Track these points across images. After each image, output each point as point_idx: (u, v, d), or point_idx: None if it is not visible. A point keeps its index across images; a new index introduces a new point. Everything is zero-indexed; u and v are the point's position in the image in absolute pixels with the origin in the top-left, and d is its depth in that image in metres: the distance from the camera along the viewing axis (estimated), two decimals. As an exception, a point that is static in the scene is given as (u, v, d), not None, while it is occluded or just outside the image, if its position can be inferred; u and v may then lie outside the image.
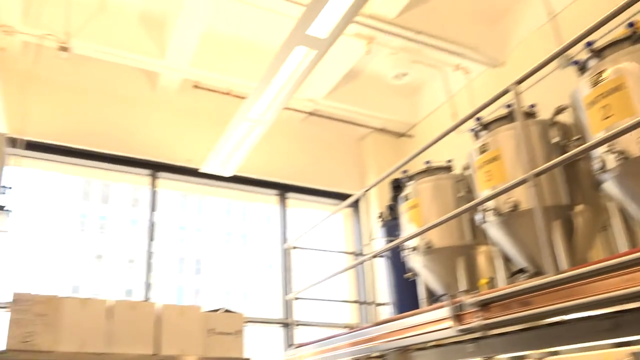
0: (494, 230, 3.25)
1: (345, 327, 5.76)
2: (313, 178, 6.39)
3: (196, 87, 5.61)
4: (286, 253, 5.89)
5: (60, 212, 28.22)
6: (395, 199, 5.05)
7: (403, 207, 4.07)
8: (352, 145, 6.82)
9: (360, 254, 6.08)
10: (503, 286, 2.50)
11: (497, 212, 3.13)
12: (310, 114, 6.28)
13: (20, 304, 3.48)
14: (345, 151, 6.75)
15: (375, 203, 6.14)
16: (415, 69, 5.74)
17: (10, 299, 3.42)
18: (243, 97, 5.56)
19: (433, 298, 3.97)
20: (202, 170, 5.48)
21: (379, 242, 4.89)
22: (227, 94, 5.66)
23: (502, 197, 3.06)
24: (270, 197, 6.34)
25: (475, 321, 2.55)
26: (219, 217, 34.43)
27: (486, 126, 3.42)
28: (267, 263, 33.77)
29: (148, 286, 5.30)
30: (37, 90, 5.17)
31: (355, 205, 6.50)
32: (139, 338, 3.73)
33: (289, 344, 5.55)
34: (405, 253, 3.97)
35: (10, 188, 4.01)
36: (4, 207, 3.73)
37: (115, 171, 5.63)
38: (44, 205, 27.33)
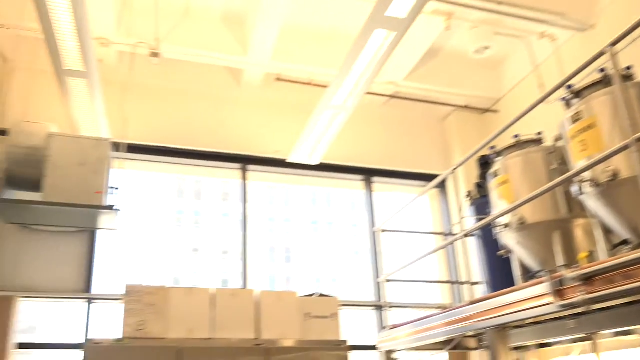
0: (592, 202, 3.09)
1: (438, 307, 5.72)
2: (397, 161, 6.37)
3: (279, 79, 5.76)
4: (375, 236, 5.93)
5: (158, 209, 30.11)
6: (483, 176, 4.92)
7: (492, 184, 3.96)
8: (435, 125, 6.71)
9: (450, 234, 5.99)
10: (605, 259, 2.38)
11: (595, 182, 2.97)
12: (392, 96, 6.24)
13: (133, 295, 3.77)
14: (429, 131, 6.65)
15: (463, 182, 6.02)
16: (497, 41, 5.52)
17: (124, 292, 3.72)
18: (324, 86, 5.64)
19: (529, 275, 3.84)
20: (290, 160, 5.64)
21: (469, 221, 4.79)
22: (309, 84, 5.77)
23: (600, 167, 2.90)
24: (356, 183, 6.40)
25: (577, 296, 2.45)
26: (305, 207, 35.12)
27: (578, 94, 3.24)
28: (353, 248, 34.01)
29: (244, 275, 5.54)
30: (133, 96, 5.56)
31: (441, 185, 6.41)
32: (240, 323, 3.93)
33: (383, 326, 5.60)
34: (497, 230, 3.88)
35: (117, 189, 4.36)
36: (112, 206, 4.06)
37: (208, 167, 5.93)
38: (144, 204, 29.26)
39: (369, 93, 5.96)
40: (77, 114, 4.50)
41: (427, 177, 6.36)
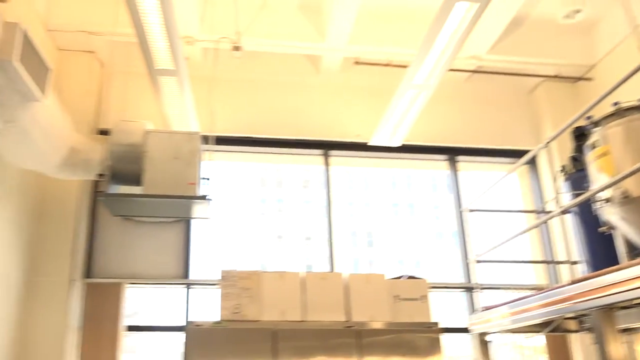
0: None
1: (533, 288, 5.50)
2: (483, 138, 6.15)
3: (357, 63, 5.74)
4: (462, 217, 5.78)
5: (243, 198, 31.23)
6: (578, 149, 4.63)
7: (590, 157, 3.72)
8: (522, 98, 6.40)
9: (543, 212, 5.71)
10: None
11: None
12: (474, 71, 6.02)
13: (228, 280, 3.92)
14: (516, 105, 6.35)
15: (556, 156, 5.70)
16: (590, 3, 5.15)
17: (219, 277, 3.89)
18: (404, 66, 5.55)
19: (635, 252, 3.59)
20: (371, 143, 5.62)
21: (564, 197, 4.54)
22: (388, 65, 5.70)
23: None
24: (439, 163, 6.26)
25: (695, 273, 2.26)
26: (385, 190, 34.92)
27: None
28: (436, 230, 33.41)
29: (331, 259, 5.61)
30: (219, 90, 5.77)
31: (531, 161, 6.11)
32: (330, 306, 3.98)
33: (474, 308, 5.48)
34: (597, 206, 3.64)
35: (208, 179, 4.56)
36: (205, 196, 4.24)
37: (290, 154, 6.04)
38: (231, 193, 30.44)
39: (451, 70, 5.79)
40: (169, 110, 4.73)
41: (516, 154, 6.09)
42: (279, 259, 31.06)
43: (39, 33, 4.81)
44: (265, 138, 5.79)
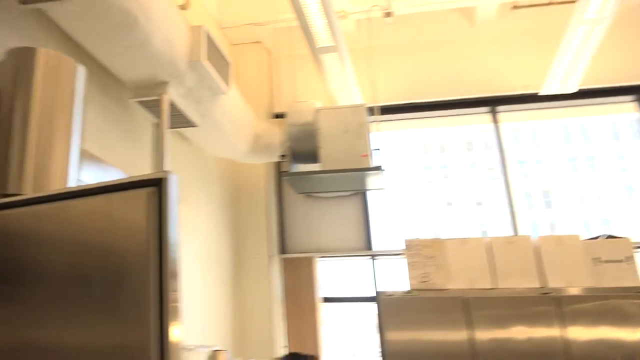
0: None
1: None
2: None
3: (515, 7, 5.25)
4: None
5: (408, 166, 31.15)
6: None
7: None
8: None
9: None
10: None
11: None
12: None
13: (412, 249, 3.91)
14: None
15: None
16: None
17: (401, 247, 3.89)
18: (568, 2, 4.93)
19: None
20: (542, 93, 5.12)
21: None
22: (550, 3, 5.12)
23: None
24: (624, 105, 5.48)
25: None
26: (558, 144, 32.02)
27: None
28: (624, 184, 29.74)
29: (513, 222, 5.29)
30: (376, 59, 5.73)
31: None
32: (522, 271, 3.76)
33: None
34: None
35: (379, 150, 4.57)
36: (380, 167, 4.26)
37: (455, 116, 5.79)
38: (396, 163, 30.60)
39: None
40: (333, 86, 4.83)
41: None
42: (452, 226, 30.45)
43: (215, 32, 5.23)
44: (428, 102, 5.62)
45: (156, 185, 1.42)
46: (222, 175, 5.05)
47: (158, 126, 3.86)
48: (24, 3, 2.28)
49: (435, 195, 30.72)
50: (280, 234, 5.44)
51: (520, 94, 5.46)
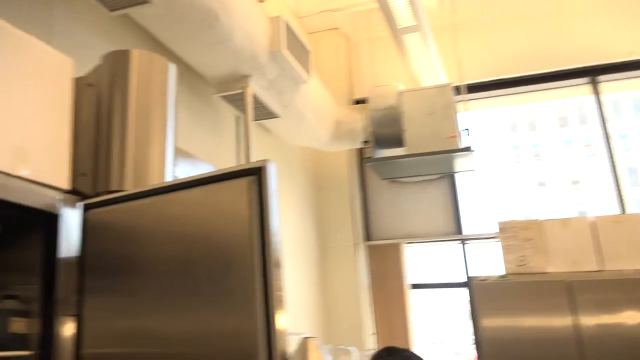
0: None
1: None
2: None
3: (618, -36, 4.81)
4: None
5: (495, 146, 29.89)
6: None
7: None
8: None
9: None
10: None
11: None
12: None
13: (507, 232, 3.74)
14: None
15: None
16: None
17: (493, 230, 3.73)
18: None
19: None
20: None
21: None
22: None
23: None
24: None
25: None
26: (664, 114, 29.27)
27: None
28: None
29: (620, 200, 4.91)
30: (461, 35, 5.50)
31: None
32: (631, 252, 3.49)
33: None
34: None
35: (467, 130, 4.39)
36: (469, 147, 4.10)
37: (550, 89, 5.43)
38: (483, 143, 29.50)
39: None
40: (416, 67, 4.70)
41: None
42: (545, 207, 28.91)
43: (292, 22, 5.26)
44: (518, 77, 5.30)
45: (254, 174, 1.43)
46: (304, 164, 5.10)
47: (241, 120, 3.96)
48: (112, 10, 2.40)
49: (525, 176, 29.25)
50: (365, 221, 5.40)
51: (624, 62, 5.02)
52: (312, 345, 2.81)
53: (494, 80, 5.37)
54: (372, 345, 4.93)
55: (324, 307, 4.95)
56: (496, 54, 5.39)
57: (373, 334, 5.01)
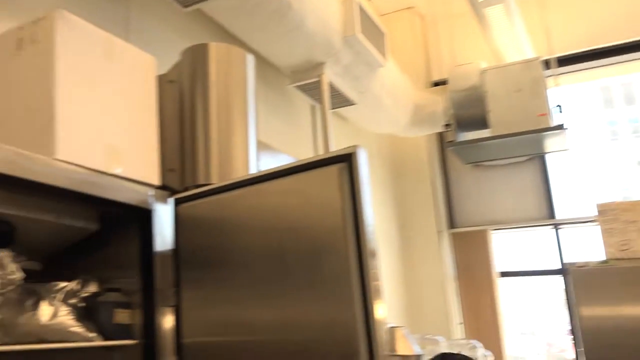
0: None
1: None
2: None
3: None
4: None
5: (587, 123, 28.02)
6: None
7: None
8: None
9: None
10: None
11: None
12: None
13: (607, 214, 3.49)
14: None
15: None
16: None
17: (591, 212, 3.47)
18: None
19: None
20: None
21: None
22: None
23: None
24: None
25: None
26: None
27: None
28: None
29: None
30: (550, 4, 5.14)
31: None
32: None
33: None
34: None
35: (560, 107, 4.11)
36: (562, 125, 3.83)
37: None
38: (575, 120, 27.72)
39: None
40: (500, 42, 4.45)
41: None
42: (642, 186, 26.83)
43: (364, 3, 5.15)
44: (614, 45, 4.88)
45: (344, 161, 1.40)
46: (382, 151, 5.00)
47: (316, 109, 3.93)
48: (185, 6, 2.43)
49: (623, 154, 27.19)
50: (448, 208, 5.22)
51: None
52: (399, 334, 2.76)
53: (587, 51, 4.98)
54: (459, 335, 4.78)
55: (408, 297, 4.86)
56: (589, 22, 4.99)
57: (460, 323, 4.85)
